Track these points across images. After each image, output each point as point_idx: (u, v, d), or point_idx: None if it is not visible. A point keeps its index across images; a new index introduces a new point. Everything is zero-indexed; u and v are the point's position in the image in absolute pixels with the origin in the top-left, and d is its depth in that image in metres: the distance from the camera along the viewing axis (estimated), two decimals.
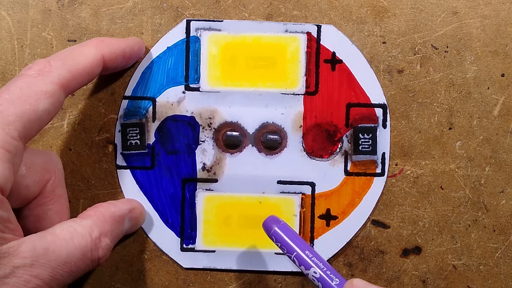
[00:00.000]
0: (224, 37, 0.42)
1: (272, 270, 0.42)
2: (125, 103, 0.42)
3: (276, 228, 0.37)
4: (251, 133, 0.42)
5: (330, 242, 0.42)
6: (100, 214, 0.38)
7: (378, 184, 0.42)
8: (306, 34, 0.42)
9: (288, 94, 0.42)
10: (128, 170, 0.42)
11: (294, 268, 0.42)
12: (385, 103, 0.42)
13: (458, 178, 0.42)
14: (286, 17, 0.42)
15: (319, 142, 0.42)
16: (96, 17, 0.42)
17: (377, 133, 0.42)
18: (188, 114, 0.42)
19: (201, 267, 0.42)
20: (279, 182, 0.42)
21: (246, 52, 0.42)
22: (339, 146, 0.42)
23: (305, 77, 0.42)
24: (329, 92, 0.42)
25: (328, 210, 0.42)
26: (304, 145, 0.42)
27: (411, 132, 0.42)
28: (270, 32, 0.42)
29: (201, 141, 0.42)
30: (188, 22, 0.42)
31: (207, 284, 0.42)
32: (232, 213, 0.42)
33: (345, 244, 0.42)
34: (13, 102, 0.34)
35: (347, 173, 0.42)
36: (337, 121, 0.42)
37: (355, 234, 0.42)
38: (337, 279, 0.36)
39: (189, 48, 0.42)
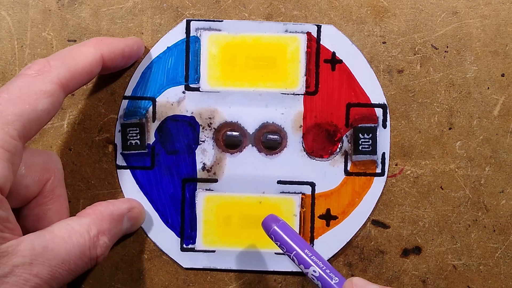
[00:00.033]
0: (224, 37, 0.42)
1: (272, 270, 0.42)
2: (125, 103, 0.42)
3: (275, 227, 0.37)
4: (251, 133, 0.42)
5: (330, 242, 0.42)
6: (99, 213, 0.38)
7: (378, 184, 0.42)
8: (306, 34, 0.42)
9: (288, 94, 0.42)
10: (128, 170, 0.42)
11: (294, 268, 0.42)
12: (385, 103, 0.42)
13: (458, 178, 0.42)
14: (286, 17, 0.42)
15: (319, 142, 0.42)
16: (96, 17, 0.42)
17: (377, 133, 0.42)
18: (188, 114, 0.42)
19: (201, 267, 0.42)
20: (279, 182, 0.42)
21: (246, 52, 0.42)
22: (339, 146, 0.42)
23: (305, 77, 0.42)
24: (329, 92, 0.42)
25: (328, 210, 0.42)
26: (304, 145, 0.42)
27: (411, 132, 0.42)
28: (270, 32, 0.42)
29: (201, 141, 0.42)
30: (188, 22, 0.42)
31: (207, 284, 0.42)
32: (232, 213, 0.42)
33: (345, 244, 0.42)
34: (13, 102, 0.34)
35: (347, 173, 0.42)
36: (337, 121, 0.42)
37: (355, 234, 0.42)
38: (336, 278, 0.36)
39: (189, 48, 0.42)
